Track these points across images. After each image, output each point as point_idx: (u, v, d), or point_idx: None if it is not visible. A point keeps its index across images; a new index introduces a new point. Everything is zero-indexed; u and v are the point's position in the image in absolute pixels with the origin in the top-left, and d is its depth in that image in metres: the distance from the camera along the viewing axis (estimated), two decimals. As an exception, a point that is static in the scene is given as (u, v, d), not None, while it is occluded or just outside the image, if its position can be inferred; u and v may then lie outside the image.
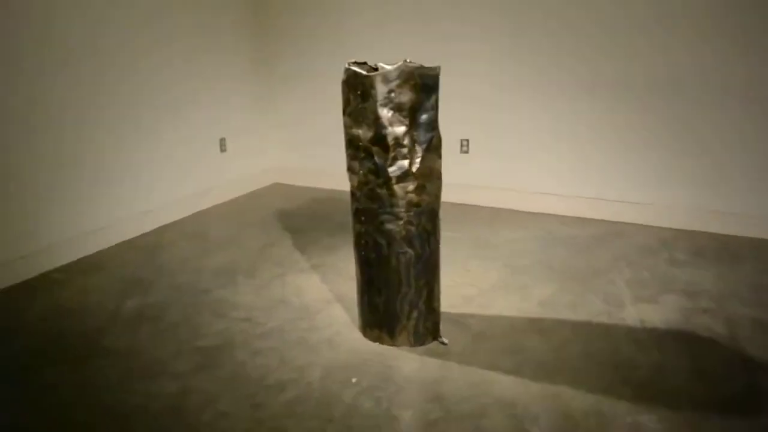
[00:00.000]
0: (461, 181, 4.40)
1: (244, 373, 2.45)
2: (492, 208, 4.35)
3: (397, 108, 2.33)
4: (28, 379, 2.44)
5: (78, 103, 3.54)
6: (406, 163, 2.38)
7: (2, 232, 3.23)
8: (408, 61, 2.43)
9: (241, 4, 4.64)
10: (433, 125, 2.41)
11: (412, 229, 2.45)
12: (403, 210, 2.42)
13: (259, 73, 4.84)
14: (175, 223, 4.21)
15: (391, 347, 2.59)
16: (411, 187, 2.40)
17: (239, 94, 4.71)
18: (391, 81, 2.30)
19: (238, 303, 3.03)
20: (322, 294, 3.10)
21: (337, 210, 4.36)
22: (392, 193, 2.40)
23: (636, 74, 3.75)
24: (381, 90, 2.31)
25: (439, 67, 2.40)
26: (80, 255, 3.62)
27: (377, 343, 2.62)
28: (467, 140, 4.31)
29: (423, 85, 2.34)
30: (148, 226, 4.04)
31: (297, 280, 3.28)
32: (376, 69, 2.48)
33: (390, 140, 2.35)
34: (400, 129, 2.35)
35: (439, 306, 2.65)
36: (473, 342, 2.63)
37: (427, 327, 2.60)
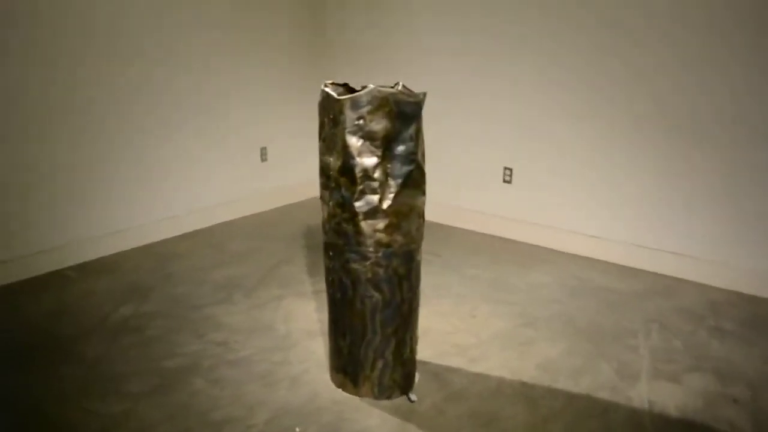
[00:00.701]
0: (500, 212, 4.08)
1: (193, 404, 2.32)
2: (529, 245, 3.99)
3: (368, 137, 2.11)
4: (-10, 381, 2.45)
5: (114, 103, 3.59)
6: (375, 198, 2.15)
7: (23, 226, 3.32)
8: (398, 85, 2.21)
9: (296, 6, 4.57)
10: (411, 158, 2.17)
11: (380, 271, 2.21)
12: (370, 249, 2.19)
13: (309, 82, 4.75)
14: (200, 231, 4.19)
15: (354, 396, 2.37)
16: (380, 225, 2.17)
17: (286, 103, 4.64)
18: (361, 107, 2.08)
19: (223, 324, 2.92)
20: (310, 324, 2.92)
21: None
22: (358, 230, 2.18)
23: (716, 114, 3.28)
24: (350, 116, 2.10)
25: (423, 94, 2.15)
26: (98, 255, 3.67)
27: (340, 390, 2.40)
28: (510, 169, 3.98)
29: (399, 113, 2.11)
30: (173, 231, 4.04)
31: (292, 304, 3.12)
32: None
33: (358, 172, 2.14)
34: (371, 160, 2.13)
35: (413, 357, 2.40)
36: (445, 402, 2.35)
37: (394, 379, 2.35)
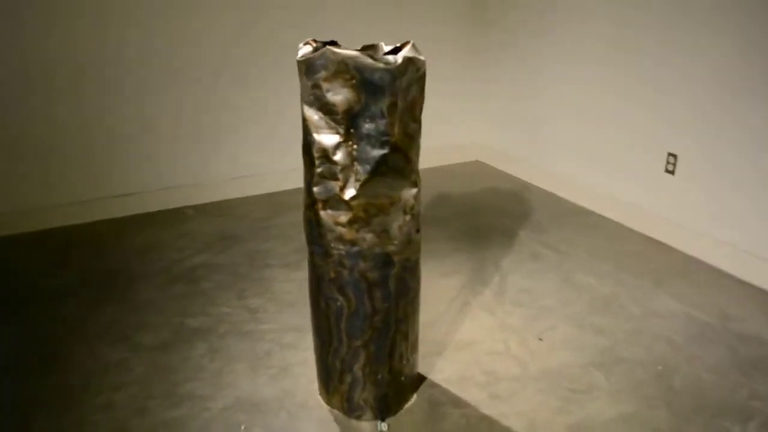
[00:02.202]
0: (656, 209, 3.18)
1: (176, 369, 2.26)
2: (687, 256, 3.04)
3: (326, 110, 1.70)
4: None
5: (248, 55, 3.63)
6: (335, 186, 1.75)
7: (168, 161, 3.60)
8: (407, 45, 1.74)
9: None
10: (383, 140, 1.70)
11: (344, 273, 1.83)
12: (332, 245, 1.81)
13: (472, 35, 4.23)
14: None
15: (325, 406, 2.06)
16: (342, 218, 1.77)
17: (446, 56, 4.21)
18: (316, 71, 1.68)
19: (270, 290, 2.79)
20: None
21: (502, 211, 3.63)
22: (318, 221, 1.81)
23: None
24: (305, 83, 1.71)
25: (404, 59, 1.65)
26: (224, 197, 3.81)
27: (318, 395, 2.11)
28: (674, 156, 3.05)
29: (364, 82, 1.65)
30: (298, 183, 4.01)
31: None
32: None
33: (315, 151, 1.75)
34: (330, 139, 1.72)
35: (396, 379, 1.98)
36: (418, 443, 1.91)
37: (364, 399, 1.97)
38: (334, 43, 1.86)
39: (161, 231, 3.41)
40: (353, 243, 1.79)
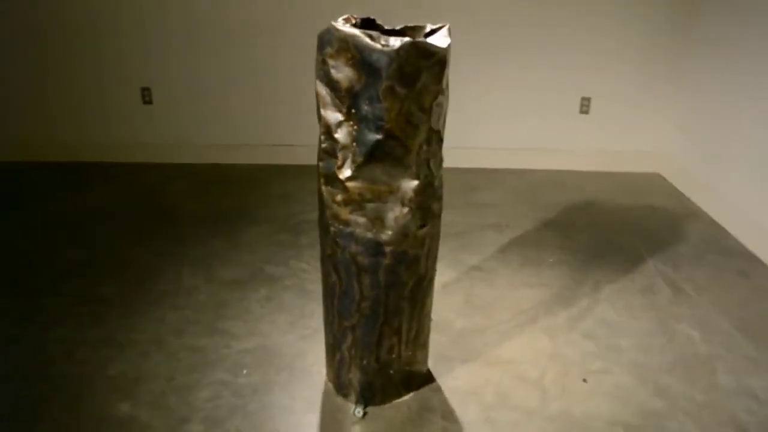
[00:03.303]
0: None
1: (224, 300, 2.49)
2: None
3: (332, 86, 1.69)
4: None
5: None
6: (334, 163, 1.75)
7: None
8: (438, 29, 1.68)
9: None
10: (379, 124, 1.64)
11: (338, 252, 1.83)
12: (330, 221, 1.83)
13: (665, 26, 3.69)
14: (497, 171, 3.98)
15: (324, 377, 2.11)
16: (339, 197, 1.77)
17: (608, 53, 3.76)
18: (324, 47, 1.67)
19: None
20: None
21: (646, 233, 3.21)
22: (321, 194, 1.83)
23: None
24: (317, 57, 1.71)
25: (407, 43, 1.56)
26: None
27: (324, 366, 2.16)
28: None
29: (363, 62, 1.60)
30: (473, 162, 4.00)
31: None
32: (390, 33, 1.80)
33: (321, 126, 1.76)
34: (334, 116, 1.71)
35: (384, 372, 1.94)
36: (380, 439, 1.86)
37: (350, 380, 1.97)
38: (371, 21, 1.83)
39: (301, 184, 3.69)
40: (346, 224, 1.78)
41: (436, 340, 2.28)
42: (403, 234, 1.78)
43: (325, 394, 2.03)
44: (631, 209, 3.47)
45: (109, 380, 2.06)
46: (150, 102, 3.91)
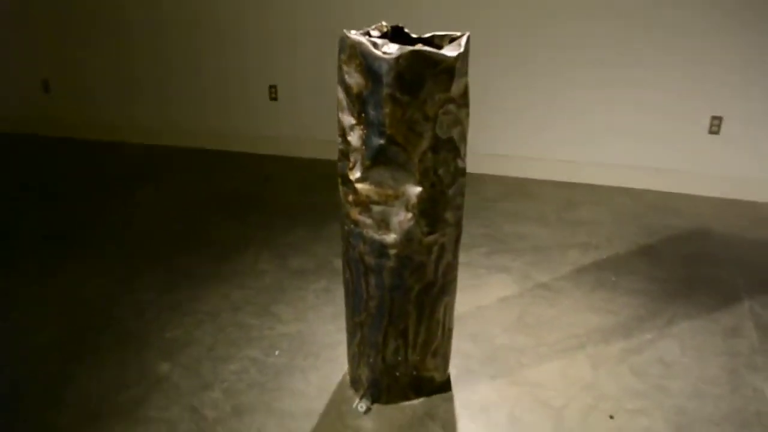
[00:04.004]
0: None
1: (285, 286, 2.66)
2: None
3: (347, 91, 1.76)
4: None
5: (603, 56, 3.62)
6: (346, 165, 1.82)
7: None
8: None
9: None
10: (381, 129, 1.69)
11: (350, 249, 1.90)
12: (345, 219, 1.90)
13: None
14: (603, 188, 3.77)
15: (344, 367, 2.19)
16: (350, 197, 1.84)
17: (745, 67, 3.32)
18: (340, 53, 1.74)
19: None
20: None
21: (758, 270, 2.86)
22: (339, 192, 1.91)
23: None
24: (338, 62, 1.79)
25: (407, 52, 1.59)
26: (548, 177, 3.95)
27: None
28: None
29: (368, 68, 1.65)
30: (579, 177, 3.84)
31: (484, 278, 2.76)
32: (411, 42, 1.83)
33: (338, 129, 1.83)
34: (348, 119, 1.78)
35: (390, 372, 1.98)
36: (373, 436, 1.90)
37: (359, 375, 2.04)
38: (400, 30, 1.88)
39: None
40: (356, 223, 1.85)
41: (467, 352, 2.26)
42: (407, 239, 1.80)
43: (340, 386, 2.11)
44: (745, 242, 3.09)
45: (163, 342, 2.32)
46: (276, 99, 4.25)
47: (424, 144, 1.72)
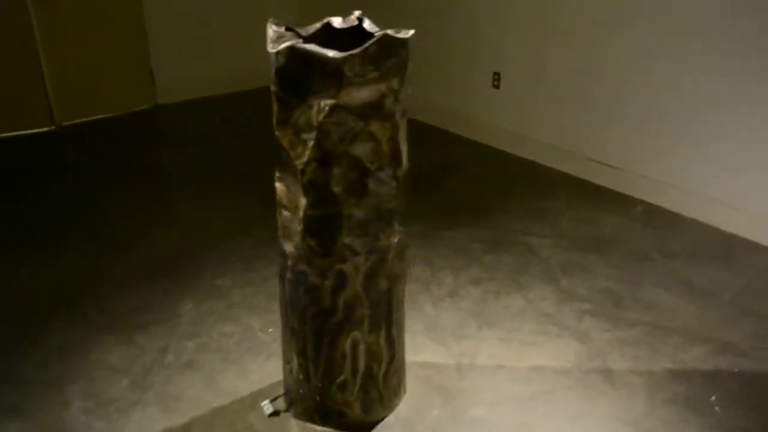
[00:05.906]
0: None
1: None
2: None
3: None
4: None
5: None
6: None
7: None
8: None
9: None
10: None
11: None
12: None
13: None
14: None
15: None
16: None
17: None
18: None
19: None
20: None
21: None
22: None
23: None
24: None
25: (279, 46, 1.41)
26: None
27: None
28: None
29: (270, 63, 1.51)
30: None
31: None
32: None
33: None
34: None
35: (298, 386, 1.85)
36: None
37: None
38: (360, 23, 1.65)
39: (568, 202, 3.27)
40: (280, 224, 1.75)
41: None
42: (298, 253, 1.64)
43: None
44: None
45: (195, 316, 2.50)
46: (497, 87, 4.00)
47: (309, 155, 1.52)
